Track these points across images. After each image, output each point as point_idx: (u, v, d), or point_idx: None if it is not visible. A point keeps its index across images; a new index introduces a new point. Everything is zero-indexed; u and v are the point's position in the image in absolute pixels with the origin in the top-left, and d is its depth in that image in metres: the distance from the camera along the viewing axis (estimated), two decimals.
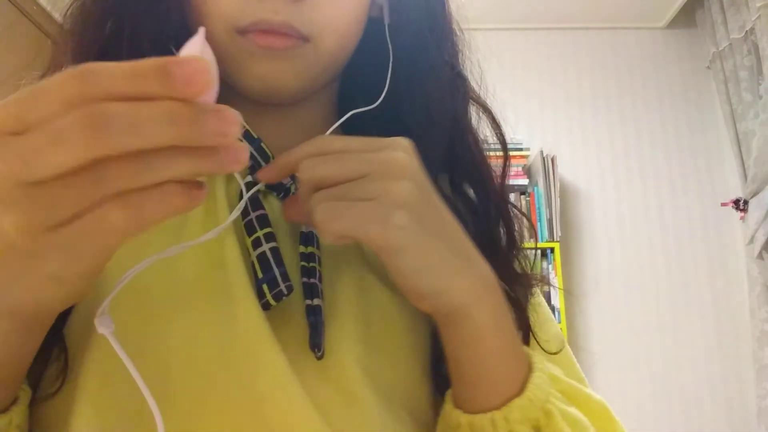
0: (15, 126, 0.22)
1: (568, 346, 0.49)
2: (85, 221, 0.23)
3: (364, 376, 0.40)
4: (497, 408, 0.38)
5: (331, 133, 0.44)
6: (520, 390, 0.38)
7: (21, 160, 0.22)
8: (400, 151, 0.35)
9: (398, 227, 0.33)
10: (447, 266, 0.35)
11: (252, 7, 0.40)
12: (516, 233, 0.49)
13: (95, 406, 0.35)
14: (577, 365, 0.48)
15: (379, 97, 0.46)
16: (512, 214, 0.49)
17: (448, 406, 0.40)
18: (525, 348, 0.42)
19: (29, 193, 0.23)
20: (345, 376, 0.39)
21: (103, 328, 0.30)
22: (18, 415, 0.34)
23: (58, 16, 2.29)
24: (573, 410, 0.39)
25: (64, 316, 0.37)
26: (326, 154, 0.35)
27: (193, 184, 0.24)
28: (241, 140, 0.41)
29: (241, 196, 0.42)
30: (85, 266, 0.26)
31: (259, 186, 0.38)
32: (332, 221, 0.33)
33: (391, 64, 0.48)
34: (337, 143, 0.35)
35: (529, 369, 0.39)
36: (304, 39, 0.41)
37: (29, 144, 0.22)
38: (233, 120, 0.23)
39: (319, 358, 0.38)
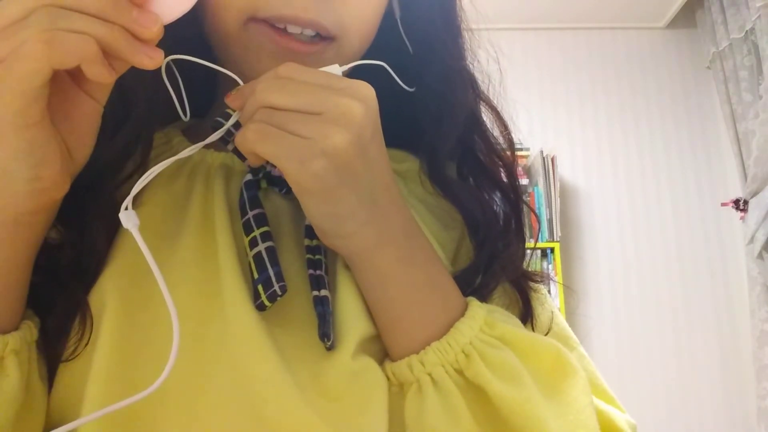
0: None
1: (560, 316, 0.49)
2: (9, 57, 0.28)
3: (372, 350, 0.40)
4: (416, 353, 0.38)
5: None
6: (442, 335, 0.39)
7: None
8: (359, 101, 0.35)
9: (313, 173, 0.33)
10: (355, 216, 0.36)
11: (279, 1, 0.39)
12: (526, 228, 0.50)
13: (109, 373, 0.36)
14: (562, 321, 0.48)
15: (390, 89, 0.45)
16: (523, 212, 0.50)
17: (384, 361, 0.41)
18: (470, 300, 0.41)
19: None
20: (351, 357, 0.39)
21: (127, 222, 0.32)
22: (15, 341, 0.34)
23: None
24: (502, 353, 0.38)
25: (87, 286, 0.38)
26: (289, 80, 0.35)
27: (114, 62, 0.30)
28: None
29: (241, 196, 0.42)
30: (20, 108, 0.29)
31: (235, 116, 0.37)
32: (258, 141, 0.34)
33: (410, 53, 0.47)
34: (303, 74, 0.35)
35: (460, 316, 0.40)
36: (330, 39, 0.40)
37: None
38: (154, 20, 0.30)
39: (330, 348, 0.39)
